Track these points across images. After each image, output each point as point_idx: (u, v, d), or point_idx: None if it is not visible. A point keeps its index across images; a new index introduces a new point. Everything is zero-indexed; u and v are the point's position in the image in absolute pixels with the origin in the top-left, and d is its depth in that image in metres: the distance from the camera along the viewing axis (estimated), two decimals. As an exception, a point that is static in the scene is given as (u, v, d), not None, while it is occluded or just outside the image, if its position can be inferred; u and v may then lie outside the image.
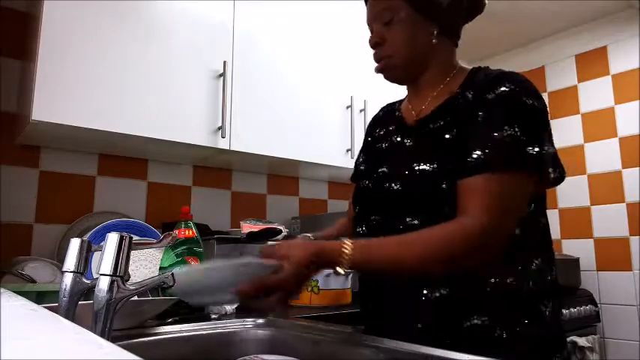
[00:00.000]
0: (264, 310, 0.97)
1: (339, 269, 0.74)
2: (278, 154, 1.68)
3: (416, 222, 0.79)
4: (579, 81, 2.66)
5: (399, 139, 0.92)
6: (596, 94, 2.58)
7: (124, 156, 1.68)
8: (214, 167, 1.89)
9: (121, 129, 1.35)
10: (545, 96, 2.80)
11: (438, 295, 0.77)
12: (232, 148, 1.55)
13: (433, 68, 0.90)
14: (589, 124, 2.60)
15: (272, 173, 2.06)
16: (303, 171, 2.02)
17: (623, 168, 2.43)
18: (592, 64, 2.61)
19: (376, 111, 1.10)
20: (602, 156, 2.51)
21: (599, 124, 2.55)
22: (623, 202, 2.41)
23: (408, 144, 0.89)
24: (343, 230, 1.04)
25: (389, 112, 1.04)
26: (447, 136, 0.81)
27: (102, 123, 1.31)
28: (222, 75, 1.54)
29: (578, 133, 2.63)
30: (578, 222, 2.57)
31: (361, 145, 1.10)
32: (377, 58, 0.90)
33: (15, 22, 1.53)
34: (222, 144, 1.53)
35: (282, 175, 2.08)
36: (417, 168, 0.81)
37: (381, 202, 0.87)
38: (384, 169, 0.90)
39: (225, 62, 1.55)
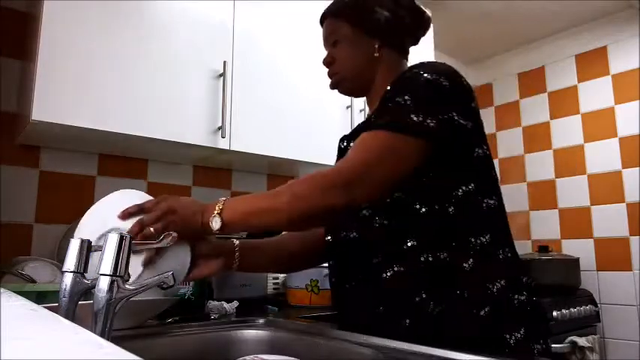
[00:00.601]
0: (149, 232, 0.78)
1: (211, 220, 0.77)
2: (278, 154, 1.68)
3: (366, 213, 0.85)
4: (579, 81, 2.66)
5: (342, 145, 1.05)
6: (596, 94, 2.58)
7: (124, 156, 1.68)
8: (214, 167, 1.89)
9: (121, 129, 1.35)
10: (545, 96, 2.80)
11: (386, 275, 0.81)
12: (232, 148, 1.55)
13: (380, 79, 0.95)
14: (589, 124, 2.60)
15: (272, 173, 2.06)
16: (303, 171, 2.02)
17: (623, 168, 2.43)
18: (592, 64, 2.61)
19: None
20: (602, 156, 2.51)
21: (599, 124, 2.55)
22: (623, 202, 2.41)
23: (352, 141, 0.97)
24: (281, 240, 1.05)
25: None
26: (365, 124, 0.88)
27: (102, 123, 1.31)
28: (222, 75, 1.54)
29: (578, 133, 2.63)
30: (578, 222, 2.57)
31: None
32: (330, 76, 0.99)
33: (15, 22, 1.53)
34: (222, 144, 1.53)
35: (282, 175, 2.08)
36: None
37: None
38: None
39: (225, 62, 1.55)
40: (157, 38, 1.44)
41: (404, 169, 0.79)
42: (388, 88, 0.87)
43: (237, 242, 0.94)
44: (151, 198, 0.85)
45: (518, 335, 0.78)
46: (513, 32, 2.70)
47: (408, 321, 0.79)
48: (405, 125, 0.78)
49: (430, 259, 0.79)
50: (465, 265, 0.79)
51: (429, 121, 0.78)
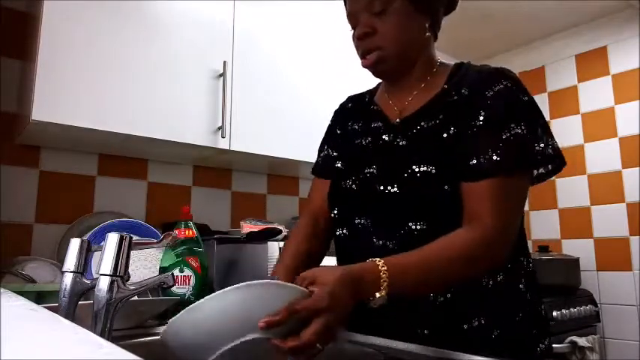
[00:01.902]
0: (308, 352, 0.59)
1: (377, 296, 0.64)
2: (278, 154, 1.68)
3: (418, 227, 0.76)
4: (579, 81, 2.66)
5: (385, 137, 0.86)
6: (596, 94, 2.58)
7: (124, 156, 1.68)
8: (214, 167, 1.89)
9: (121, 129, 1.35)
10: (545, 96, 2.80)
11: (442, 299, 0.76)
12: (232, 148, 1.55)
13: (421, 63, 0.87)
14: (589, 124, 2.59)
15: (272, 173, 2.06)
16: (303, 171, 2.02)
17: (623, 168, 2.43)
18: (592, 64, 2.61)
19: None
20: (602, 156, 2.51)
21: (599, 124, 2.55)
22: (623, 202, 2.41)
23: (399, 143, 0.84)
24: (299, 254, 0.88)
25: (361, 105, 0.98)
26: (445, 135, 0.78)
27: (102, 123, 1.31)
28: (222, 75, 1.54)
29: (578, 133, 2.63)
30: (578, 222, 2.56)
31: (326, 135, 1.04)
32: (365, 51, 0.84)
33: (15, 22, 1.53)
34: (222, 144, 1.53)
35: (282, 175, 2.08)
36: (416, 170, 0.78)
37: (372, 205, 0.83)
38: (372, 170, 0.85)
39: (225, 62, 1.55)
40: (157, 38, 1.44)
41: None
42: (445, 86, 0.83)
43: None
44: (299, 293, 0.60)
45: (544, 345, 0.81)
46: (513, 32, 2.70)
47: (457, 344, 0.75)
48: (532, 159, 0.75)
49: (490, 282, 0.77)
50: (520, 285, 0.80)
51: (548, 147, 0.76)
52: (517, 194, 0.75)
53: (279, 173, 2.06)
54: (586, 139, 2.59)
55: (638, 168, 2.38)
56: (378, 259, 0.66)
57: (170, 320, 0.56)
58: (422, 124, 0.82)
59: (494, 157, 0.72)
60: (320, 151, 1.03)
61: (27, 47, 1.43)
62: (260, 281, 0.56)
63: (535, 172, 0.80)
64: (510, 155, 0.72)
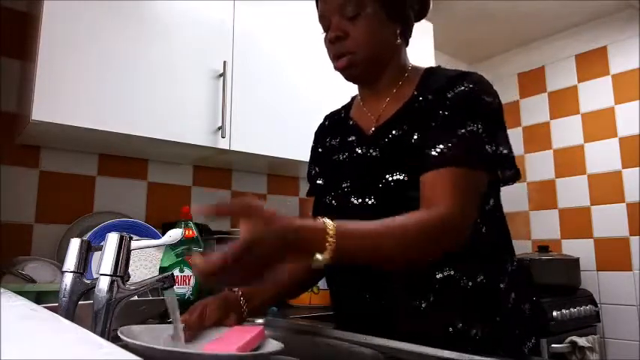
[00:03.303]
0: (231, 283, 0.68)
1: (318, 256, 0.62)
2: (278, 154, 1.68)
3: None
4: (579, 81, 2.66)
5: (359, 150, 0.87)
6: (596, 94, 2.58)
7: (124, 156, 1.68)
8: (214, 167, 1.89)
9: (121, 129, 1.35)
10: (545, 96, 2.80)
11: (425, 304, 0.77)
12: (232, 148, 1.55)
13: (391, 69, 0.88)
14: (589, 124, 2.59)
15: (272, 173, 2.06)
16: (303, 171, 2.01)
17: (623, 168, 2.43)
18: (592, 64, 2.61)
19: None
20: (602, 156, 2.51)
21: (599, 124, 2.55)
22: (623, 202, 2.41)
23: (373, 154, 0.85)
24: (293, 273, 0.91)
25: (337, 121, 1.00)
26: (413, 141, 0.80)
27: (102, 123, 1.31)
28: (222, 75, 1.54)
29: (578, 133, 2.63)
30: (578, 222, 2.56)
31: (310, 156, 1.06)
32: (337, 54, 0.84)
33: (15, 22, 1.53)
34: (222, 144, 1.53)
35: (282, 175, 2.08)
36: (390, 179, 0.78)
37: (350, 218, 0.80)
38: (347, 184, 0.86)
39: (225, 62, 1.55)
40: (157, 38, 1.44)
41: (480, 199, 0.78)
42: (415, 93, 0.83)
43: (240, 292, 0.83)
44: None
45: (530, 344, 0.81)
46: (513, 32, 2.70)
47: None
48: (483, 159, 0.75)
49: (470, 284, 0.77)
50: (501, 285, 0.79)
51: (498, 153, 0.77)
52: (469, 184, 0.74)
53: (279, 173, 2.06)
54: (586, 139, 2.59)
55: (638, 168, 2.38)
56: (327, 221, 0.63)
57: None
58: (393, 132, 0.83)
59: (447, 150, 0.74)
60: (308, 174, 1.07)
61: (27, 47, 1.43)
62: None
63: (500, 175, 0.80)
64: (461, 148, 0.74)
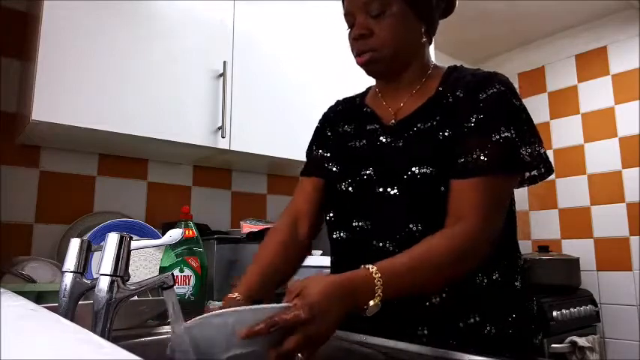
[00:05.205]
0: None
1: (372, 304, 0.63)
2: (278, 154, 1.68)
3: (419, 228, 0.77)
4: (579, 81, 2.66)
5: (383, 139, 0.87)
6: (596, 94, 2.58)
7: (124, 156, 1.68)
8: (214, 167, 1.89)
9: (121, 129, 1.35)
10: (545, 96, 2.80)
11: (437, 299, 0.77)
12: (232, 148, 1.55)
13: (415, 66, 0.89)
14: (589, 124, 2.59)
15: (272, 173, 2.06)
16: (303, 171, 2.02)
17: (623, 168, 2.43)
18: (592, 64, 2.61)
19: None
20: (602, 156, 2.51)
21: (599, 124, 2.55)
22: (623, 202, 2.41)
23: (397, 144, 0.84)
24: (274, 265, 0.87)
25: (352, 108, 0.99)
26: (441, 136, 0.80)
27: (102, 123, 1.31)
28: (222, 75, 1.54)
29: (578, 133, 2.63)
30: (578, 222, 2.56)
31: (314, 137, 1.04)
32: (360, 51, 0.85)
33: (15, 22, 1.53)
34: (222, 144, 1.53)
35: (282, 175, 2.08)
36: (416, 171, 0.78)
37: (370, 207, 0.83)
38: (369, 172, 0.85)
39: (225, 62, 1.55)
40: (157, 38, 1.44)
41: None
42: (440, 89, 0.84)
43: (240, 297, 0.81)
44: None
45: (537, 340, 0.83)
46: (513, 32, 2.70)
47: (454, 343, 0.76)
48: (519, 164, 0.77)
49: (485, 281, 0.78)
50: (516, 283, 0.81)
51: (534, 154, 0.79)
52: (500, 195, 0.76)
53: (279, 173, 2.06)
54: (586, 139, 2.59)
55: (638, 168, 2.38)
56: (370, 266, 0.66)
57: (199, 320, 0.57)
58: (418, 125, 0.83)
59: (482, 158, 0.75)
60: (308, 154, 1.05)
61: (27, 47, 1.43)
62: (248, 307, 0.60)
63: (527, 174, 0.82)
64: (497, 157, 0.74)
